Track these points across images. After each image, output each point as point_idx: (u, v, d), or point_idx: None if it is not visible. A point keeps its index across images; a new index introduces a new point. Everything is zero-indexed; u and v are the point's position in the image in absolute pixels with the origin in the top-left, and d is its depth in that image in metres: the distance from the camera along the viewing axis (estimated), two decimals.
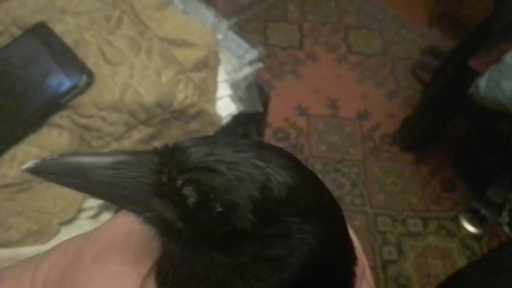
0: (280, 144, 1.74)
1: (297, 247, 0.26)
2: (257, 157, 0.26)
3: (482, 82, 1.20)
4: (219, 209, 0.25)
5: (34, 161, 0.25)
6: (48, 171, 0.25)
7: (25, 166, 0.25)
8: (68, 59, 0.80)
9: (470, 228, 1.63)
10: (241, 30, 1.06)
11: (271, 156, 0.26)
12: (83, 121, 0.77)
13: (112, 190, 0.26)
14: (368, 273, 0.36)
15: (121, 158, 0.26)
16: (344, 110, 1.85)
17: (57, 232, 0.72)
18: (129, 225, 0.33)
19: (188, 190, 0.25)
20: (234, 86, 0.98)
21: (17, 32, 0.82)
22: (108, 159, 0.26)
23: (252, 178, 0.25)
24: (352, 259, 0.30)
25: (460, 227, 1.64)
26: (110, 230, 0.35)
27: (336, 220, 0.29)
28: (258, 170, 0.25)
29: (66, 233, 0.73)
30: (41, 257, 0.38)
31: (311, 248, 0.26)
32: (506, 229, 1.59)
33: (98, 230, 0.36)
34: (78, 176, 0.25)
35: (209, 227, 0.25)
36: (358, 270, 0.30)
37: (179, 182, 0.25)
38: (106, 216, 0.77)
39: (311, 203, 0.26)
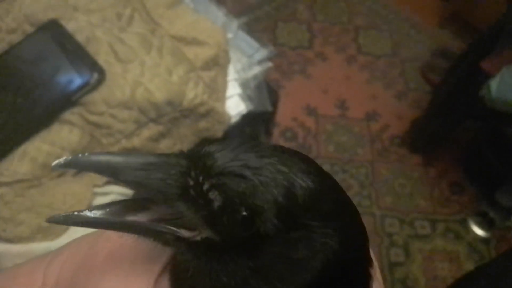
0: (288, 144, 1.74)
1: (320, 251, 0.26)
2: (280, 162, 0.26)
3: (494, 84, 1.20)
4: (244, 213, 0.25)
5: (64, 158, 0.26)
6: (80, 168, 0.27)
7: (55, 162, 0.26)
8: (80, 56, 0.80)
9: (478, 231, 1.62)
10: (250, 29, 1.06)
11: (293, 161, 0.27)
12: (94, 118, 0.77)
13: (141, 190, 0.27)
14: (378, 274, 0.36)
15: (151, 159, 0.27)
16: (352, 111, 1.84)
17: (66, 228, 0.73)
18: None
19: (214, 194, 0.26)
20: (244, 85, 0.98)
21: (30, 29, 0.82)
22: (139, 160, 0.26)
23: (276, 183, 0.26)
24: (368, 261, 0.30)
25: (468, 230, 1.62)
26: None
27: (356, 224, 0.30)
28: (281, 175, 0.26)
29: (75, 229, 0.73)
30: (53, 254, 0.38)
31: (333, 252, 0.26)
32: None
33: None
34: (108, 175, 0.26)
35: (234, 231, 0.26)
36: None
37: (206, 186, 0.26)
38: None
39: (332, 207, 0.27)
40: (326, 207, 0.27)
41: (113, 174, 0.26)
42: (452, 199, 1.68)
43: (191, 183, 0.26)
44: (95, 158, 0.27)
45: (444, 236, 1.60)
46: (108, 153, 0.27)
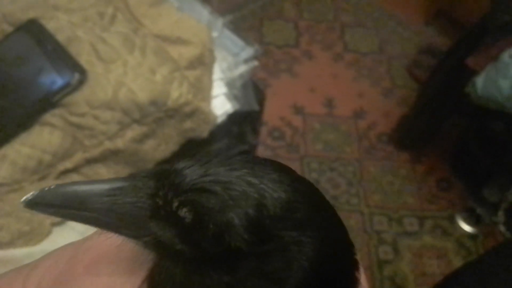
0: (275, 143, 1.74)
1: (295, 260, 0.26)
2: (251, 174, 0.26)
3: (479, 81, 1.20)
4: (213, 230, 0.25)
5: (31, 193, 0.26)
6: (47, 202, 0.27)
7: (23, 199, 0.26)
8: (61, 56, 0.78)
9: (466, 228, 1.63)
10: (236, 28, 1.05)
11: (264, 171, 0.27)
12: (76, 119, 0.76)
13: (111, 216, 0.27)
14: (363, 279, 0.35)
15: (118, 184, 0.27)
16: (340, 109, 1.84)
17: (48, 233, 0.71)
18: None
19: (183, 212, 0.26)
20: (230, 84, 0.97)
21: (8, 29, 0.80)
22: (105, 186, 0.27)
23: (247, 196, 0.25)
24: (353, 265, 0.30)
25: (456, 226, 1.63)
26: (102, 240, 0.35)
27: (334, 228, 0.29)
28: (252, 187, 0.26)
29: (58, 234, 0.71)
30: (31, 266, 0.37)
31: (308, 259, 0.26)
32: (502, 228, 1.59)
33: (90, 239, 0.35)
34: (76, 206, 0.27)
35: (206, 247, 0.26)
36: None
37: (175, 204, 0.26)
38: None
39: (306, 215, 0.26)
40: (300, 216, 0.26)
41: (82, 203, 0.27)
42: (440, 196, 1.69)
43: (161, 203, 0.26)
44: (61, 189, 0.27)
45: (432, 232, 1.60)
46: (75, 183, 0.27)
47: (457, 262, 1.54)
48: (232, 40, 1.02)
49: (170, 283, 0.29)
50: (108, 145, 0.78)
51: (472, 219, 1.63)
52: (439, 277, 1.37)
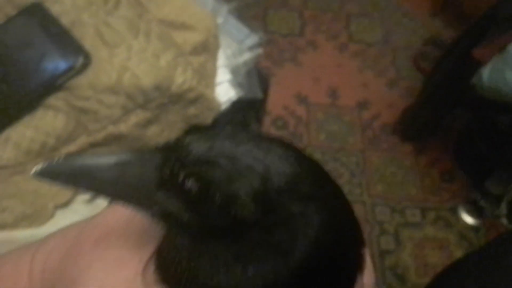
0: (279, 133, 1.73)
1: (300, 232, 0.26)
2: (256, 148, 0.27)
3: (486, 72, 1.19)
4: (219, 200, 0.26)
5: (41, 163, 0.27)
6: (56, 173, 0.28)
7: (33, 170, 0.27)
8: (65, 40, 0.78)
9: (468, 219, 1.63)
10: (240, 16, 1.04)
11: (270, 146, 0.27)
12: (80, 103, 0.75)
13: (118, 187, 0.27)
14: (368, 258, 0.35)
15: (125, 157, 0.27)
16: (344, 99, 1.83)
17: (52, 215, 0.71)
18: (129, 211, 0.34)
19: (190, 184, 0.26)
20: (234, 71, 0.97)
21: (12, 12, 0.80)
22: (113, 159, 0.27)
23: (252, 169, 0.26)
24: (359, 241, 0.30)
25: (458, 218, 1.63)
26: (110, 216, 0.35)
27: (340, 204, 0.29)
28: (257, 161, 0.26)
29: (61, 217, 0.72)
30: (39, 244, 0.38)
31: (314, 231, 0.26)
32: (504, 221, 1.59)
33: (98, 216, 0.36)
34: (84, 177, 0.27)
35: (212, 218, 0.26)
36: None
37: (181, 176, 0.26)
38: (102, 200, 0.76)
39: (312, 189, 0.27)
40: (305, 189, 0.26)
41: (90, 175, 0.27)
42: (442, 187, 1.69)
43: (167, 175, 0.27)
44: (70, 162, 0.27)
45: (435, 224, 1.61)
46: (83, 156, 0.29)
47: (459, 254, 1.54)
48: (236, 27, 1.01)
49: (177, 255, 0.29)
50: (111, 129, 0.77)
51: (475, 211, 1.63)
52: (440, 268, 1.37)
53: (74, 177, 0.27)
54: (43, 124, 0.73)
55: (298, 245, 0.26)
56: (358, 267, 0.30)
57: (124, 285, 0.31)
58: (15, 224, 0.68)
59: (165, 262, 0.31)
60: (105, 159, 0.27)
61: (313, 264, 0.27)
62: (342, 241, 0.28)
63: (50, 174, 0.27)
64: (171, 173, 0.27)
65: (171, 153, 0.27)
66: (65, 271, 0.34)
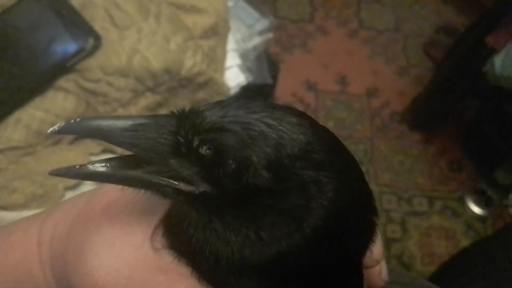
0: None
1: (313, 199, 0.26)
2: (270, 116, 0.27)
3: (498, 60, 1.17)
4: (233, 166, 0.26)
5: (58, 124, 0.28)
6: (73, 133, 0.28)
7: (50, 129, 0.28)
8: (75, 21, 0.78)
9: (476, 209, 1.62)
10: (250, 1, 1.03)
11: (283, 115, 0.27)
12: (90, 85, 0.75)
13: (133, 151, 0.28)
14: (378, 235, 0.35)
15: (140, 121, 0.27)
16: (353, 87, 1.82)
17: (62, 196, 0.72)
18: None
19: (204, 149, 0.27)
20: (243, 56, 0.96)
21: None
22: (128, 122, 0.27)
23: (265, 136, 0.26)
24: (372, 210, 0.31)
25: (466, 208, 1.63)
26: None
27: (353, 172, 0.29)
28: (271, 128, 0.26)
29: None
30: (48, 212, 0.38)
31: (327, 198, 0.26)
32: None
33: (106, 184, 0.36)
34: (100, 139, 0.28)
35: (225, 184, 0.26)
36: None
37: (196, 142, 0.27)
38: None
39: (325, 157, 0.27)
40: (318, 157, 0.26)
41: (105, 137, 0.27)
42: (450, 177, 1.68)
43: (182, 140, 0.27)
44: (86, 123, 0.27)
45: (442, 213, 1.60)
46: (99, 117, 0.28)
47: (465, 244, 1.54)
48: (247, 11, 1.00)
49: (189, 223, 0.29)
50: (121, 112, 0.77)
51: (482, 201, 1.62)
52: (446, 258, 1.37)
53: (90, 136, 0.28)
54: (53, 106, 0.74)
55: (311, 211, 0.26)
56: (370, 234, 0.31)
57: (132, 250, 0.31)
58: (25, 204, 0.69)
59: (174, 228, 0.31)
60: (121, 121, 0.27)
61: (326, 231, 0.27)
62: (354, 209, 0.29)
63: (66, 132, 0.28)
64: (185, 139, 0.27)
65: (186, 119, 0.27)
66: (74, 237, 0.34)
